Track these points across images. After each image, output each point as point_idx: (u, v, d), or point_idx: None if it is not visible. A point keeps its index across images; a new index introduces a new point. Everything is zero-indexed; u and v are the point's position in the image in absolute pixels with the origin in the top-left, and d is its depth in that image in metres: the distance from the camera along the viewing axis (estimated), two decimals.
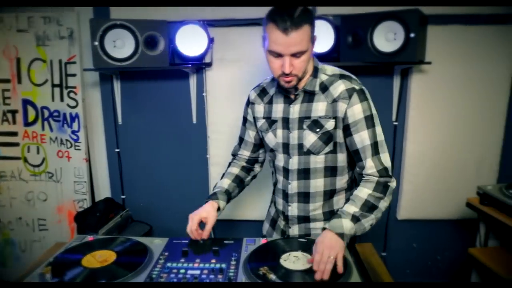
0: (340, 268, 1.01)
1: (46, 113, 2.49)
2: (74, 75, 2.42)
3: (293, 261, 1.09)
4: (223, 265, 1.10)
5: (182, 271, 1.08)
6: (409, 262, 2.41)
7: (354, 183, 1.35)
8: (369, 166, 1.17)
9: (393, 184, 1.19)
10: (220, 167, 2.35)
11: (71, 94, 2.44)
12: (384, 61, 1.87)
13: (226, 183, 1.39)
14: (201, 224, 1.27)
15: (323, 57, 1.90)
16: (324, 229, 1.12)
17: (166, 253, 1.18)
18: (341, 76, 1.22)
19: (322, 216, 1.31)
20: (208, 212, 1.26)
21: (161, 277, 1.04)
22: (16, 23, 2.40)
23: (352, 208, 1.13)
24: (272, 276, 0.99)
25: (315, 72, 1.23)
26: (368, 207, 1.13)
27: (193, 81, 2.26)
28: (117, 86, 2.33)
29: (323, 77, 1.23)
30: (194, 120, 2.33)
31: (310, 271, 1.03)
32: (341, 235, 1.08)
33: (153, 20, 1.97)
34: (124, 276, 1.03)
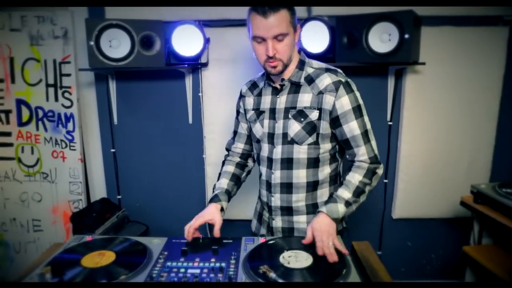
0: (343, 250, 1.12)
1: (41, 113, 2.46)
2: (68, 75, 2.40)
3: (292, 259, 1.10)
4: (223, 264, 1.10)
5: (182, 270, 1.08)
6: (404, 260, 2.44)
7: (338, 176, 1.39)
8: (361, 153, 1.25)
9: (380, 171, 1.27)
10: (216, 167, 2.33)
11: (66, 94, 2.42)
12: (379, 61, 1.89)
13: (224, 183, 1.42)
14: (210, 226, 1.30)
15: (319, 58, 1.90)
16: (319, 211, 1.20)
17: (166, 253, 1.18)
18: (327, 70, 1.27)
19: (305, 209, 1.34)
20: (213, 214, 1.29)
21: (161, 276, 1.05)
22: (9, 22, 2.37)
23: (346, 194, 1.22)
24: (272, 275, 1.00)
25: (301, 64, 1.29)
26: (358, 192, 1.23)
27: (189, 81, 2.26)
28: (112, 86, 2.32)
29: (309, 70, 1.29)
30: (190, 120, 2.33)
31: (309, 269, 1.05)
32: (335, 220, 1.18)
33: (149, 20, 1.97)
34: (124, 275, 1.03)
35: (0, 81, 2.44)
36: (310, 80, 1.27)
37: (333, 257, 1.07)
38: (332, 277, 1.01)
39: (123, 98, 2.36)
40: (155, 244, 1.25)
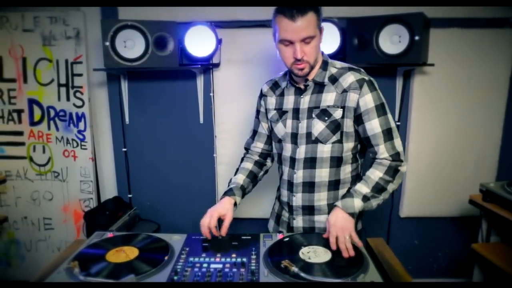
0: (358, 243, 1.15)
1: (52, 113, 2.49)
2: (80, 75, 2.43)
3: (311, 254, 1.14)
4: (244, 259, 1.13)
5: (205, 265, 1.11)
6: (410, 259, 2.47)
7: (358, 177, 1.40)
8: (382, 151, 1.25)
9: (403, 168, 1.27)
10: (227, 166, 2.40)
11: (78, 94, 2.45)
12: (389, 62, 1.92)
13: (241, 178, 1.43)
14: (219, 221, 1.30)
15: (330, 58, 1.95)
16: (335, 206, 1.21)
17: (187, 249, 1.21)
18: (350, 69, 1.30)
19: (327, 208, 1.36)
20: (226, 209, 1.29)
21: (185, 270, 1.08)
22: (22, 23, 2.40)
23: (364, 189, 1.22)
24: (294, 269, 1.03)
25: (325, 65, 1.31)
26: (378, 189, 1.23)
27: (200, 81, 2.30)
28: (124, 86, 2.35)
29: (332, 70, 1.30)
30: (201, 120, 2.36)
31: (328, 263, 1.08)
32: (352, 214, 1.19)
33: (163, 21, 2.00)
34: (149, 270, 1.06)
35: (12, 81, 2.47)
36: (333, 79, 1.29)
37: (347, 252, 1.10)
38: (351, 271, 1.04)
39: (135, 98, 2.38)
40: (175, 240, 1.28)
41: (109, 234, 1.32)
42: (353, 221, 1.19)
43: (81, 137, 2.50)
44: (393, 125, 1.27)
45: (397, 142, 1.27)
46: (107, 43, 1.87)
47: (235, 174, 1.47)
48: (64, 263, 1.12)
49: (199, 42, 2.07)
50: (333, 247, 1.12)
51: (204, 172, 2.43)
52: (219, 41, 2.07)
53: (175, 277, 1.04)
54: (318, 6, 1.21)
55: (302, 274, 1.01)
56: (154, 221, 2.38)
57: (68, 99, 2.47)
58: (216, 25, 2.13)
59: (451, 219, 2.43)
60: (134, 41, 1.92)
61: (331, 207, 1.35)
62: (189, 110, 2.36)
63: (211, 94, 2.30)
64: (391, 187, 1.25)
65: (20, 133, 2.53)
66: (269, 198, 2.02)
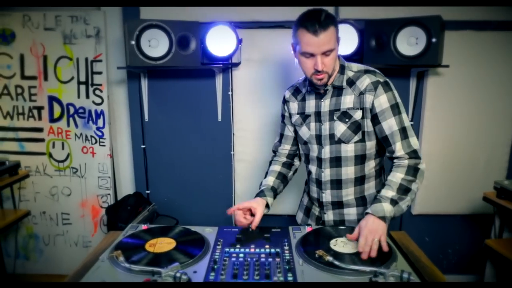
0: (385, 247, 1.13)
1: (72, 110, 2.55)
2: (100, 73, 2.49)
3: (341, 245, 1.19)
4: (278, 250, 1.19)
5: (241, 255, 1.16)
6: None
7: (382, 170, 1.47)
8: (398, 149, 1.29)
9: (422, 166, 1.29)
10: (244, 163, 2.46)
11: (97, 92, 2.51)
12: (406, 64, 1.98)
13: (271, 180, 1.50)
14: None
15: (347, 59, 1.99)
16: (366, 213, 1.23)
17: (221, 240, 1.26)
18: (366, 71, 1.35)
19: (355, 202, 1.43)
20: (257, 204, 1.36)
21: (224, 260, 1.13)
22: (44, 22, 2.46)
23: (390, 193, 1.24)
24: (329, 258, 1.08)
25: (342, 69, 1.37)
26: (403, 190, 1.25)
27: (219, 80, 2.35)
28: (144, 84, 2.40)
29: (349, 73, 1.36)
30: (219, 118, 2.42)
31: (358, 255, 1.13)
32: (382, 218, 1.19)
33: (186, 21, 2.05)
34: (189, 260, 1.11)
35: (33, 78, 2.53)
36: (351, 82, 1.35)
37: (370, 253, 1.09)
38: (381, 261, 1.10)
39: (154, 96, 2.44)
40: (208, 232, 1.33)
41: (144, 227, 1.38)
42: (384, 225, 1.18)
43: (99, 134, 2.55)
44: (408, 124, 1.31)
45: (413, 140, 1.30)
46: (133, 42, 1.92)
47: (265, 177, 1.54)
48: (104, 253, 1.17)
49: (220, 42, 2.12)
50: (360, 249, 1.12)
51: (221, 169, 2.49)
52: (239, 41, 2.13)
53: (215, 266, 1.10)
54: (336, 19, 1.26)
55: (337, 263, 1.07)
56: (172, 216, 2.43)
57: (87, 96, 2.52)
58: (236, 25, 2.18)
59: (461, 217, 2.50)
60: (158, 41, 1.97)
61: (358, 200, 1.43)
62: (207, 108, 2.41)
63: (230, 92, 2.36)
64: (415, 186, 1.26)
65: (40, 130, 2.58)
66: (289, 195, 2.08)
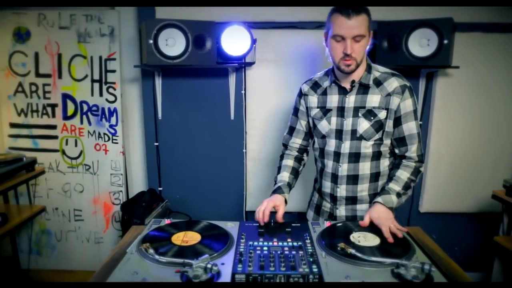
0: (404, 229, 1.27)
1: (85, 107, 2.58)
2: (113, 71, 2.52)
3: (361, 239, 1.24)
4: (300, 243, 1.23)
5: (265, 248, 1.20)
6: None
7: (393, 168, 1.52)
8: (414, 150, 1.41)
9: (422, 169, 1.46)
10: (256, 161, 2.50)
11: (110, 90, 2.54)
12: (418, 64, 2.03)
13: (286, 176, 1.55)
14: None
15: None
16: (375, 202, 1.35)
17: (244, 234, 1.30)
18: (393, 74, 1.41)
19: (368, 198, 1.49)
20: (280, 201, 1.43)
21: (250, 252, 1.17)
22: (59, 21, 2.49)
23: (397, 187, 1.39)
24: (351, 250, 1.13)
25: (369, 68, 1.42)
26: (406, 187, 1.40)
27: (232, 79, 2.39)
28: (158, 82, 2.44)
29: (376, 74, 1.42)
30: (232, 116, 2.46)
31: (379, 247, 1.18)
32: (391, 208, 1.35)
33: (202, 21, 2.09)
34: (215, 252, 1.15)
35: (47, 76, 2.56)
36: (378, 82, 1.40)
37: (399, 235, 1.23)
38: (400, 254, 1.14)
39: (168, 94, 2.48)
40: (230, 227, 1.37)
41: (167, 221, 1.41)
42: (392, 214, 1.33)
43: (112, 131, 2.59)
44: (420, 130, 1.43)
45: (421, 145, 1.44)
46: (151, 41, 1.96)
47: (279, 172, 1.57)
48: (131, 246, 1.21)
49: (234, 42, 2.16)
50: (387, 234, 1.23)
51: (233, 167, 2.52)
52: (254, 41, 2.17)
53: (242, 258, 1.14)
54: (369, 11, 1.32)
55: (359, 255, 1.11)
56: (184, 213, 2.47)
57: (101, 94, 2.56)
58: (250, 25, 2.22)
59: (468, 215, 2.55)
60: (175, 40, 2.01)
61: (371, 197, 1.48)
62: (220, 106, 2.45)
63: (243, 91, 2.40)
64: (413, 185, 1.43)
65: (53, 127, 2.62)
66: (296, 192, 2.11)
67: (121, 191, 2.65)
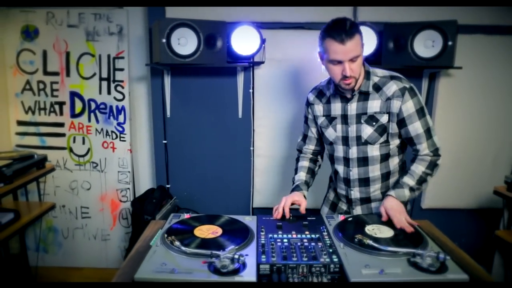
0: (415, 223, 1.32)
1: (93, 105, 2.60)
2: (122, 69, 2.55)
3: (376, 231, 1.29)
4: (318, 235, 1.28)
5: (285, 240, 1.25)
6: None
7: (404, 164, 1.59)
8: (424, 148, 1.44)
9: (440, 161, 1.47)
10: (263, 158, 2.54)
11: (118, 88, 2.57)
12: (423, 65, 2.10)
13: (303, 175, 1.61)
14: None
15: (366, 60, 2.10)
16: (388, 195, 1.40)
17: (263, 227, 1.35)
18: (392, 77, 1.45)
19: (381, 196, 1.55)
20: (300, 197, 1.49)
21: (271, 244, 1.22)
22: (67, 19, 2.51)
23: (411, 182, 1.42)
24: (369, 241, 1.18)
25: (368, 74, 1.46)
26: (421, 181, 1.43)
27: (240, 78, 2.44)
28: (167, 80, 2.47)
29: (375, 79, 1.46)
30: (240, 114, 2.50)
31: (394, 239, 1.24)
32: (403, 202, 1.40)
33: (213, 20, 2.13)
34: (239, 244, 1.19)
35: (55, 74, 2.58)
36: (377, 88, 1.44)
37: (410, 229, 1.28)
38: (414, 245, 1.20)
39: (177, 93, 2.51)
40: (248, 221, 1.42)
41: (186, 215, 1.45)
42: (404, 208, 1.38)
43: (120, 129, 2.61)
44: (431, 124, 1.45)
45: (436, 138, 1.46)
46: (164, 40, 1.99)
47: (296, 173, 1.64)
48: (155, 239, 1.25)
49: (244, 41, 2.20)
50: (398, 226, 1.29)
51: (240, 164, 2.57)
52: (263, 41, 2.22)
53: (264, 249, 1.18)
54: (359, 27, 1.35)
55: (377, 245, 1.16)
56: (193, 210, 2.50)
57: (109, 92, 2.58)
58: (259, 26, 2.26)
59: (468, 211, 2.63)
60: (187, 39, 2.05)
61: (384, 194, 1.53)
62: (228, 105, 2.49)
63: (251, 90, 2.44)
64: (429, 179, 1.45)
65: (61, 125, 2.63)
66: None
67: (128, 188, 2.68)
